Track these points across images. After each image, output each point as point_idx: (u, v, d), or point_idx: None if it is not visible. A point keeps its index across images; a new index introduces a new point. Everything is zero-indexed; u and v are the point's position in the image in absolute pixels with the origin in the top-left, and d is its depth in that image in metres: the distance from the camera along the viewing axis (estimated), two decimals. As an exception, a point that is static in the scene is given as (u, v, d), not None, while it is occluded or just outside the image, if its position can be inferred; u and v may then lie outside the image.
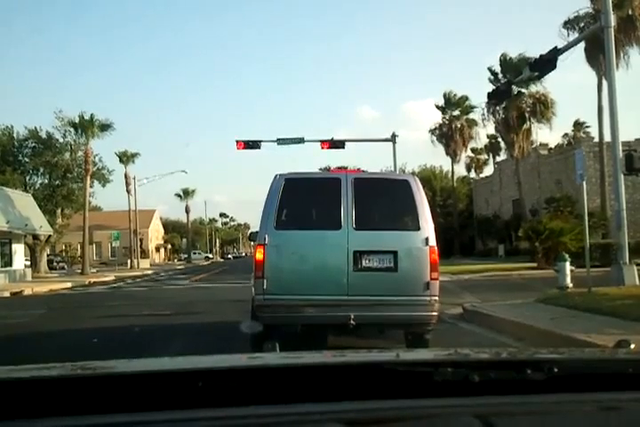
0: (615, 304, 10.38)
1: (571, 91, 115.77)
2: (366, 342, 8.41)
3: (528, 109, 37.31)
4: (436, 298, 7.53)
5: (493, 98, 22.39)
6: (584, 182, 12.70)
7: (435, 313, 7.59)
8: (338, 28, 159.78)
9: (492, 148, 68.46)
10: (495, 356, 1.85)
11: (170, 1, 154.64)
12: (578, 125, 65.13)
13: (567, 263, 13.63)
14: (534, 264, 28.70)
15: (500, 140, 64.54)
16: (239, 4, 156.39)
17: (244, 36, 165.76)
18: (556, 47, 16.68)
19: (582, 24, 34.91)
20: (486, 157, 72.99)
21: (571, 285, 13.51)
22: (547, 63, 16.81)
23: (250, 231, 9.44)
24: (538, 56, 17.16)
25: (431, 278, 7.45)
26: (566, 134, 65.87)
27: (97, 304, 18.42)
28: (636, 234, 30.47)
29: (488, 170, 69.80)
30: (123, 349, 8.82)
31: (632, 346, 1.79)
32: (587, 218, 13.19)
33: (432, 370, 1.36)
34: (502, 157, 61.36)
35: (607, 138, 34.41)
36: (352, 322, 7.19)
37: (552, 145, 54.80)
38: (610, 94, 14.81)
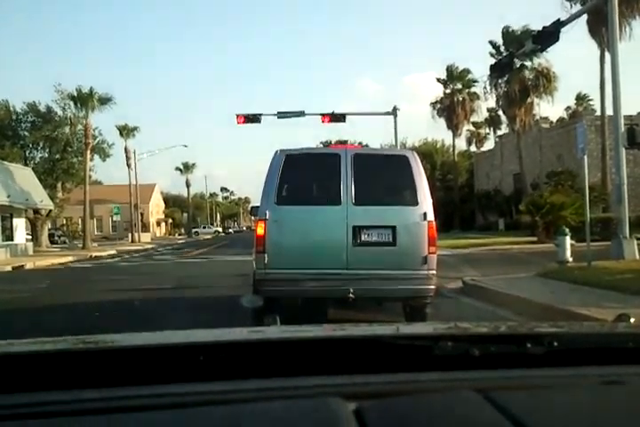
0: (615, 278, 10.44)
1: (573, 64, 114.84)
2: (366, 315, 8.53)
3: (530, 83, 37.06)
4: (434, 272, 7.70)
5: (496, 71, 22.23)
6: (585, 156, 12.64)
7: (432, 287, 7.74)
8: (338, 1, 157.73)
9: (493, 121, 68.10)
10: (495, 330, 1.85)
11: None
12: (580, 99, 64.74)
13: (567, 237, 13.63)
14: (535, 238, 28.80)
15: (500, 113, 64.57)
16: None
17: (245, 9, 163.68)
18: (558, 19, 16.47)
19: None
20: (487, 131, 72.91)
21: (571, 259, 13.53)
22: (549, 36, 16.62)
23: (251, 206, 9.67)
24: (540, 29, 16.95)
25: (429, 253, 7.61)
26: (569, 107, 65.47)
27: (98, 278, 18.48)
28: (637, 208, 30.49)
29: (489, 144, 69.68)
30: (123, 323, 8.89)
31: (632, 320, 1.78)
32: (587, 192, 13.14)
33: (432, 344, 1.37)
34: (503, 130, 61.19)
35: (609, 111, 34.37)
36: (351, 295, 7.38)
37: (554, 118, 54.68)
38: (613, 67, 14.69)
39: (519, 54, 26.61)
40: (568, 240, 13.62)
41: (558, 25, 16.24)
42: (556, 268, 13.22)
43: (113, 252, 37.86)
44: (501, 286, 11.46)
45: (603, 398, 1.19)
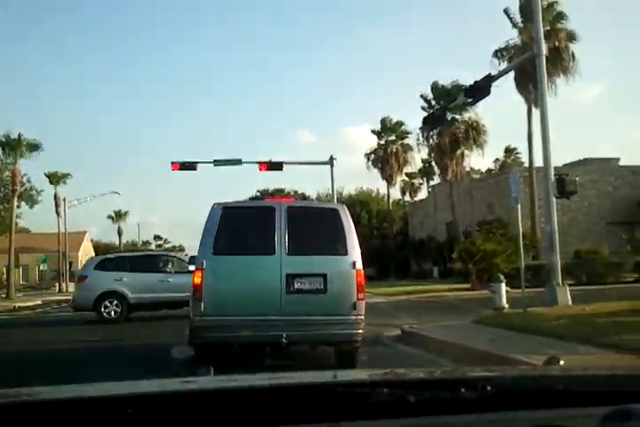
0: (551, 324, 10.55)
1: (501, 117, 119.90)
2: (301, 362, 8.77)
3: (461, 135, 38.23)
4: (362, 317, 8.20)
5: (429, 123, 22.89)
6: (518, 205, 12.93)
7: (361, 331, 8.22)
8: (268, 55, 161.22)
9: (426, 172, 69.86)
10: (429, 375, 1.86)
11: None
12: (509, 151, 67.26)
13: (503, 284, 13.82)
14: (468, 285, 29.13)
15: (433, 164, 66.40)
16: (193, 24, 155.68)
17: (184, 55, 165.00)
18: (489, 74, 17.13)
19: (511, 54, 36.13)
20: (420, 181, 74.71)
21: (506, 305, 13.68)
22: (481, 90, 17.21)
23: (189, 256, 9.80)
24: (469, 84, 17.58)
25: (358, 299, 8.13)
26: (497, 159, 67.83)
27: (19, 330, 17.60)
28: (566, 255, 31.41)
29: (422, 194, 71.29)
30: (43, 376, 8.32)
31: (561, 362, 1.81)
32: (521, 239, 13.39)
33: (368, 391, 1.36)
34: (436, 181, 62.74)
35: (537, 163, 35.69)
36: (284, 340, 7.77)
37: (483, 170, 56.43)
38: (542, 120, 15.28)
39: (451, 107, 27.54)
40: (504, 287, 13.79)
41: (489, 79, 16.87)
42: (492, 314, 13.32)
43: (38, 302, 36.24)
44: (440, 333, 11.43)
45: None
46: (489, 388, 1.37)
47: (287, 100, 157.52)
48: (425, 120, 21.86)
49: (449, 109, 29.40)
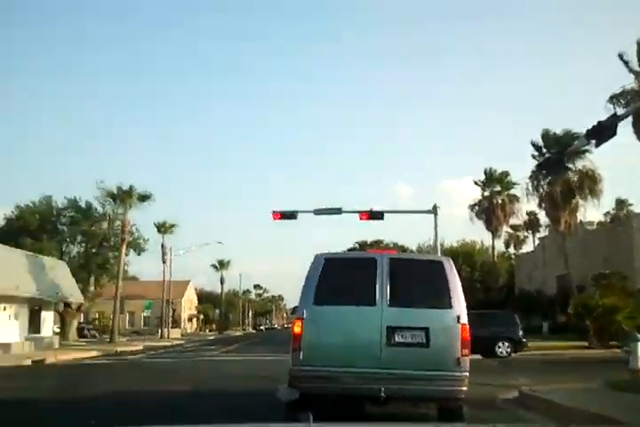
0: None
1: (610, 168, 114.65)
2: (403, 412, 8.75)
3: (575, 184, 36.19)
4: (466, 374, 7.83)
5: (544, 169, 21.42)
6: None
7: (464, 388, 7.83)
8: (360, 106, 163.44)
9: (532, 224, 67.46)
10: None
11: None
12: (620, 203, 63.83)
13: (639, 343, 12.14)
14: (585, 343, 27.02)
15: (540, 217, 63.80)
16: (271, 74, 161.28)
17: (281, 111, 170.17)
18: (615, 113, 15.78)
19: (628, 99, 34.24)
20: (525, 233, 72.03)
21: (644, 368, 12.00)
22: (606, 130, 15.79)
23: (293, 307, 9.67)
24: (585, 129, 16.21)
25: (462, 355, 7.80)
26: (608, 212, 64.24)
27: (113, 377, 17.40)
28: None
29: (527, 247, 68.60)
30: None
31: None
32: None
33: None
34: (542, 233, 60.08)
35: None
36: (382, 395, 7.57)
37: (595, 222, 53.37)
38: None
39: (570, 151, 25.94)
40: (640, 347, 12.13)
41: (616, 118, 15.45)
42: (627, 378, 11.68)
43: (139, 347, 36.73)
44: (569, 399, 9.95)
45: None
46: None
47: (387, 153, 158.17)
48: (540, 166, 20.51)
49: (565, 155, 27.74)
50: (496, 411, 10.28)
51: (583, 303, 27.48)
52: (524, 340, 25.38)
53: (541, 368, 17.67)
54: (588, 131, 16.33)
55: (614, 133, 15.98)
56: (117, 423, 7.79)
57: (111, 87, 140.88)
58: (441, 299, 8.06)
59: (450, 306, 7.97)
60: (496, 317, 26.93)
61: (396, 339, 7.84)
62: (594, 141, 16.45)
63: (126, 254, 44.64)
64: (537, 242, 61.43)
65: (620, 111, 31.78)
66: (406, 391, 7.80)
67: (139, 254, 46.86)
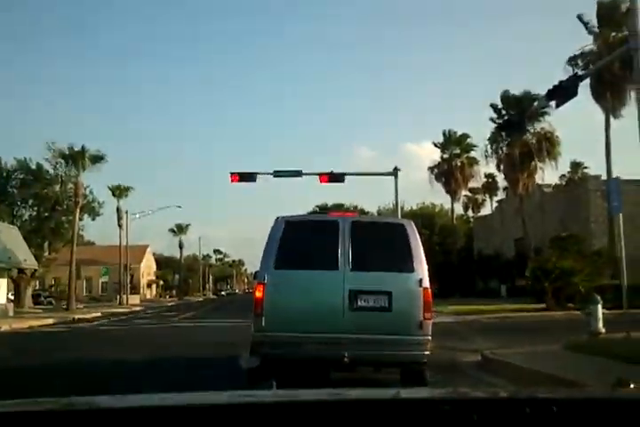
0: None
1: (565, 132, 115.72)
2: (364, 375, 8.62)
3: (533, 147, 36.24)
4: (429, 338, 7.82)
5: (505, 130, 21.24)
6: (620, 215, 11.35)
7: (427, 352, 7.80)
8: (324, 70, 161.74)
9: (490, 188, 67.99)
10: (494, 395, 1.85)
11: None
12: (575, 166, 64.64)
13: (599, 306, 12.13)
14: (542, 305, 27.32)
15: (498, 180, 64.30)
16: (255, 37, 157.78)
17: (239, 72, 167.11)
18: (576, 73, 15.58)
19: (587, 60, 34.20)
20: (483, 197, 72.59)
21: (603, 330, 12.01)
22: (566, 91, 15.64)
23: (255, 271, 9.29)
24: (545, 90, 15.99)
25: (424, 318, 7.76)
26: (564, 175, 65.06)
27: (69, 345, 16.90)
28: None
29: (485, 210, 69.25)
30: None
31: (632, 386, 1.73)
32: (623, 254, 11.70)
33: (431, 408, 1.36)
34: (499, 197, 60.64)
35: (615, 175, 33.49)
36: (346, 360, 7.49)
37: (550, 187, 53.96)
38: None
39: (530, 112, 25.79)
40: (600, 309, 12.11)
41: (576, 79, 15.29)
42: (588, 340, 11.68)
43: (97, 314, 36.13)
44: (532, 361, 9.89)
45: None
46: (554, 409, 1.34)
47: (344, 115, 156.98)
48: (501, 127, 20.28)
49: (526, 116, 27.61)
50: (459, 375, 10.16)
51: (541, 266, 27.71)
52: None
53: (502, 331, 17.71)
54: (548, 91, 16.11)
55: (575, 94, 15.82)
56: (72, 394, 7.36)
57: (57, 44, 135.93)
58: (403, 262, 7.98)
59: (412, 270, 7.90)
60: None
61: (359, 303, 7.76)
62: (554, 102, 16.30)
63: (80, 219, 43.60)
64: (495, 205, 62.04)
65: (580, 73, 31.89)
66: (369, 356, 7.76)
67: (93, 219, 45.87)
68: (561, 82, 16.01)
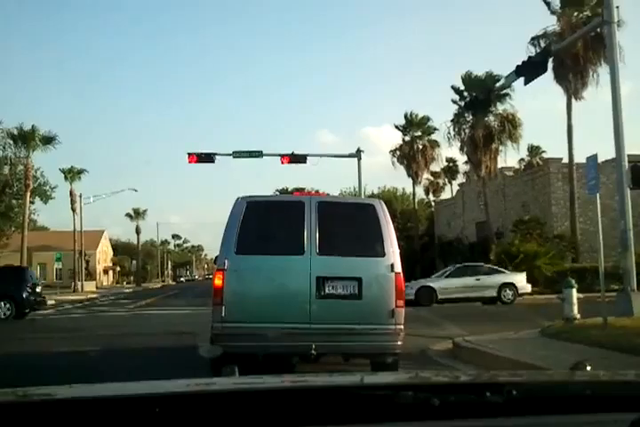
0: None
1: (523, 115, 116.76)
2: (334, 366, 8.16)
3: (496, 128, 35.93)
4: (402, 327, 7.41)
5: (471, 109, 20.70)
6: (597, 195, 10.81)
7: (400, 342, 7.41)
8: (292, 51, 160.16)
9: (450, 172, 67.93)
10: (455, 379, 1.84)
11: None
12: (533, 150, 64.82)
13: (574, 290, 11.64)
14: (507, 290, 27.06)
15: (457, 164, 64.20)
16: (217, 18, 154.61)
17: (197, 49, 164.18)
18: (546, 48, 15.05)
19: (550, 41, 33.77)
20: (444, 181, 72.49)
21: (578, 315, 11.54)
22: (536, 66, 15.15)
23: (215, 256, 8.60)
24: (506, 72, 15.47)
25: (396, 306, 7.33)
26: (522, 159, 65.23)
27: (19, 335, 15.91)
28: (607, 259, 29.15)
29: (445, 194, 69.17)
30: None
31: (588, 368, 1.74)
32: (600, 236, 11.18)
33: (393, 393, 1.35)
34: (459, 181, 60.47)
35: (577, 159, 33.36)
36: (313, 352, 7.05)
37: (510, 170, 53.99)
38: (613, 100, 13.06)
39: (498, 89, 25.32)
40: (575, 293, 11.63)
41: (546, 54, 14.79)
42: (563, 326, 11.19)
43: (51, 302, 34.77)
44: (506, 349, 9.33)
45: None
46: (515, 392, 1.35)
47: (306, 99, 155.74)
48: (467, 105, 19.73)
49: (492, 93, 27.20)
50: (429, 364, 9.60)
51: (505, 250, 27.50)
52: (35, 298, 22.31)
53: (470, 316, 17.30)
54: (517, 67, 15.57)
55: (545, 69, 15.36)
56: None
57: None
58: (374, 246, 7.52)
59: (383, 254, 7.44)
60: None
61: (327, 290, 7.30)
62: (523, 78, 15.75)
63: (32, 202, 41.93)
64: (455, 189, 61.95)
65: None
66: (338, 348, 7.40)
67: (45, 203, 44.07)
68: (530, 57, 15.53)
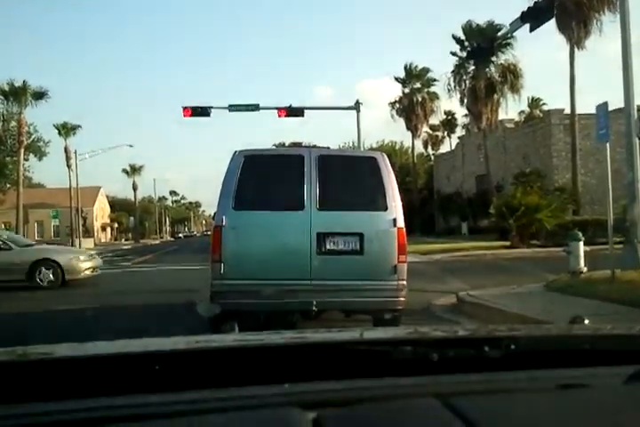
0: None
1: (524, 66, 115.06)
2: (335, 323, 7.95)
3: (497, 79, 35.21)
4: (404, 282, 7.29)
5: (473, 57, 20.09)
6: (607, 144, 10.43)
7: (402, 298, 7.28)
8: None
9: (449, 125, 67.25)
10: (453, 334, 1.89)
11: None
12: (534, 102, 63.91)
13: (580, 243, 11.38)
14: (507, 243, 26.92)
15: (456, 117, 63.48)
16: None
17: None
18: (553, -7, 14.40)
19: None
20: (443, 134, 71.76)
21: (585, 269, 11.31)
22: (542, 12, 14.59)
23: (214, 213, 8.35)
24: (531, 5, 14.86)
25: (399, 262, 7.21)
26: (522, 111, 64.41)
27: (17, 294, 15.69)
28: (614, 210, 28.93)
29: (444, 147, 68.60)
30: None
31: (586, 322, 1.77)
32: (610, 188, 10.85)
33: (391, 349, 1.38)
34: (458, 134, 59.85)
35: (580, 109, 32.83)
36: (314, 308, 6.98)
37: (510, 122, 53.31)
38: (623, 46, 12.53)
39: (502, 35, 24.60)
40: (582, 246, 11.37)
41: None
42: (569, 280, 10.97)
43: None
44: (513, 304, 9.13)
45: (561, 400, 1.20)
46: (513, 346, 1.37)
47: (308, 53, 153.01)
48: (469, 55, 19.14)
49: (495, 42, 26.54)
50: (433, 320, 9.41)
51: (506, 203, 27.18)
52: None
53: (472, 270, 17.13)
54: (523, 13, 15.02)
55: (551, 15, 14.85)
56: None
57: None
58: (376, 200, 7.39)
59: (385, 208, 7.29)
60: None
61: (328, 246, 7.17)
62: (528, 24, 15.19)
63: (26, 159, 41.55)
64: (454, 143, 61.39)
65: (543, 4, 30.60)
66: (340, 304, 7.28)
67: (40, 159, 43.67)
68: (536, 2, 14.95)
